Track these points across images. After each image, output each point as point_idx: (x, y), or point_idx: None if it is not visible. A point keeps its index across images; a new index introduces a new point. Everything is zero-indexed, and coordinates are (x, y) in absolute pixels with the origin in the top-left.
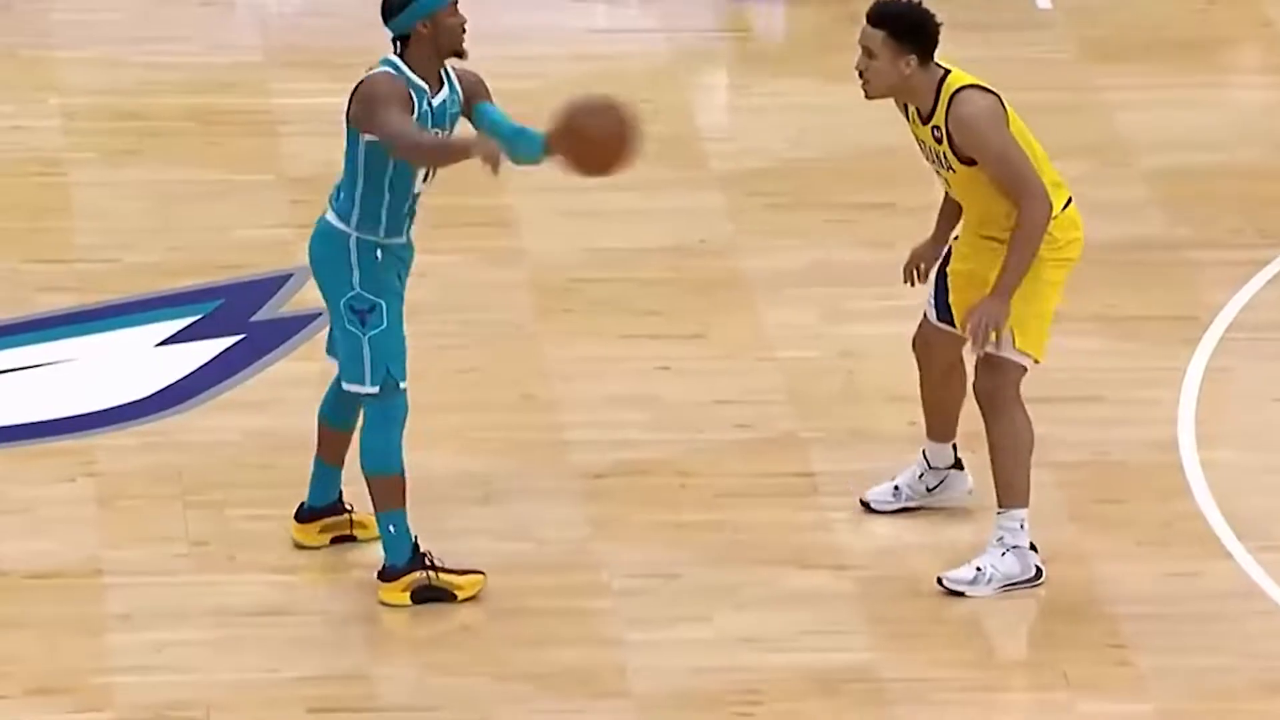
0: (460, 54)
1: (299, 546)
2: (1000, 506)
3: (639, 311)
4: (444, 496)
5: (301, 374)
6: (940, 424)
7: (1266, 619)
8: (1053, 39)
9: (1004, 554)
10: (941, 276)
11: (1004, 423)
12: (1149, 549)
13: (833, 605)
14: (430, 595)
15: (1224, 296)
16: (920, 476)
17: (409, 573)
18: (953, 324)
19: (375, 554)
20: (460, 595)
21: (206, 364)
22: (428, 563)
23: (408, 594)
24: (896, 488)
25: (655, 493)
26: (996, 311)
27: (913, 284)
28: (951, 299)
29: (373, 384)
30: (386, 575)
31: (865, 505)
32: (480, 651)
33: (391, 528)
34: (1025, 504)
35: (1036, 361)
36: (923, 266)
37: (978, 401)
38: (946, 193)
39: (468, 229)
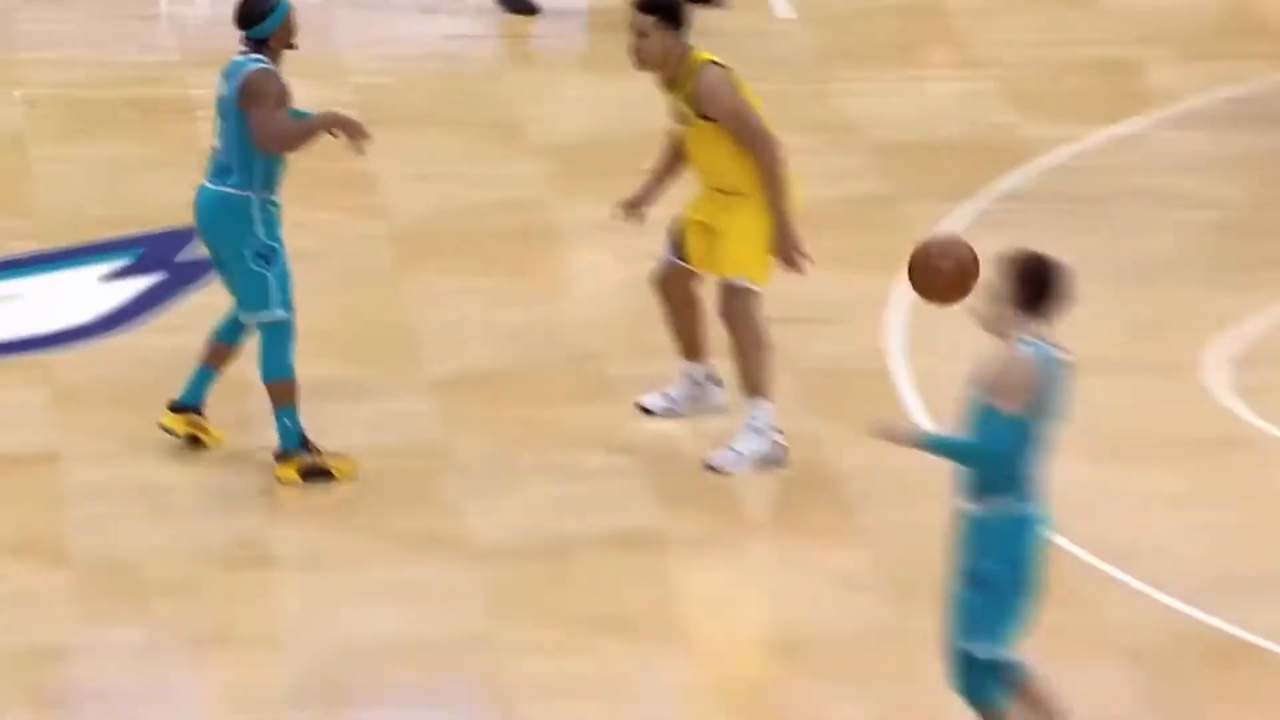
0: (295, 47)
1: (162, 428)
2: (748, 399)
3: (477, 255)
4: (327, 398)
5: (212, 303)
6: (690, 346)
7: None
8: (792, 44)
9: (754, 437)
10: (674, 224)
11: (747, 334)
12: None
13: (626, 480)
14: (315, 473)
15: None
16: (683, 389)
17: (299, 455)
18: (687, 262)
19: (275, 442)
20: (339, 474)
21: (140, 295)
22: (313, 448)
23: (297, 472)
24: (666, 395)
25: (491, 394)
26: (789, 237)
27: (626, 220)
28: (688, 243)
29: (279, 308)
30: (281, 457)
31: (641, 408)
32: (356, 518)
33: (286, 420)
34: (769, 396)
35: (763, 286)
36: (639, 208)
37: (724, 321)
38: (664, 154)
39: (340, 191)
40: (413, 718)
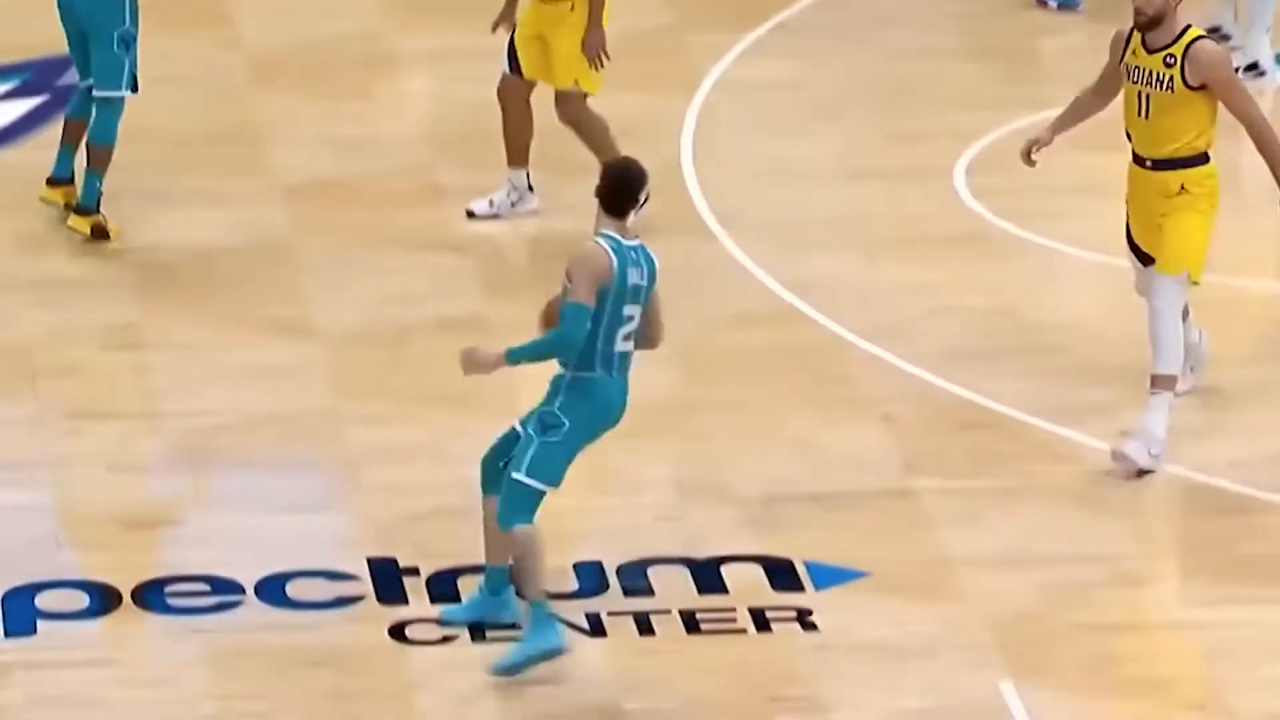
0: None
1: (43, 200)
2: None
3: (325, 79)
4: (191, 205)
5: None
6: (517, 153)
7: (738, 276)
8: None
9: None
10: (510, 41)
11: (589, 128)
12: (661, 234)
13: (455, 274)
14: (102, 234)
15: (712, 63)
16: (505, 195)
17: (95, 215)
18: (523, 76)
19: (148, 255)
20: (114, 235)
21: (28, 113)
22: (104, 215)
23: (90, 228)
24: (490, 201)
25: (338, 199)
26: (599, 38)
27: (495, 31)
28: (523, 57)
29: (127, 89)
30: (81, 211)
31: (468, 213)
32: (218, 309)
33: (96, 181)
34: None
35: (592, 93)
36: (502, 26)
37: (569, 123)
38: None
39: (200, 25)
40: (270, 480)
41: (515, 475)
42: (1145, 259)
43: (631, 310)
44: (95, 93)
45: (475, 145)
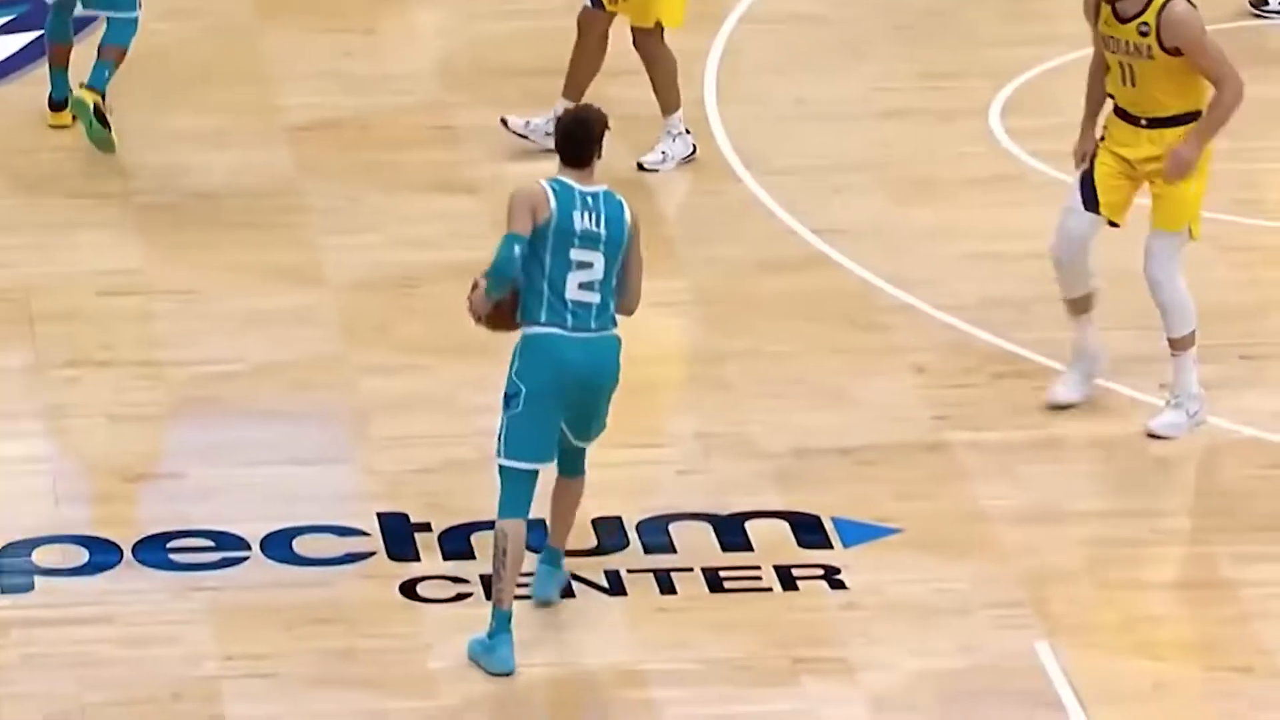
0: None
1: (53, 125)
2: (666, 113)
3: (331, 13)
4: (196, 147)
5: (84, 54)
6: (576, 87)
7: (763, 221)
8: None
9: (671, 141)
10: None
11: (661, 64)
12: (684, 175)
13: (472, 217)
14: (102, 118)
15: (735, 1)
16: (547, 122)
17: (99, 97)
18: (604, 8)
19: (150, 197)
20: (111, 147)
21: (22, 49)
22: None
23: (94, 107)
24: (527, 122)
25: (344, 141)
26: None
27: None
28: None
29: (139, 10)
30: (88, 88)
31: (502, 121)
32: (223, 254)
33: (106, 72)
34: (679, 107)
35: (676, 26)
36: None
37: (644, 56)
38: None
39: None
40: (276, 431)
41: (497, 460)
42: (1093, 203)
43: (583, 256)
44: (111, 14)
45: (487, 82)
